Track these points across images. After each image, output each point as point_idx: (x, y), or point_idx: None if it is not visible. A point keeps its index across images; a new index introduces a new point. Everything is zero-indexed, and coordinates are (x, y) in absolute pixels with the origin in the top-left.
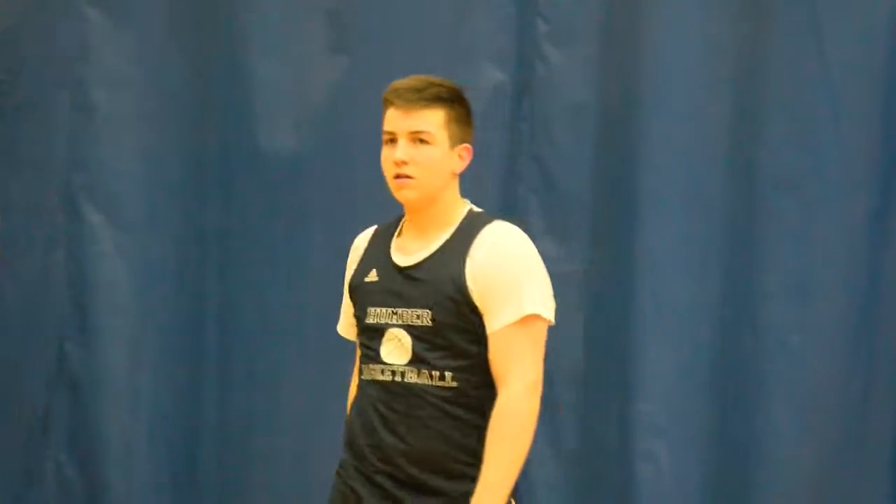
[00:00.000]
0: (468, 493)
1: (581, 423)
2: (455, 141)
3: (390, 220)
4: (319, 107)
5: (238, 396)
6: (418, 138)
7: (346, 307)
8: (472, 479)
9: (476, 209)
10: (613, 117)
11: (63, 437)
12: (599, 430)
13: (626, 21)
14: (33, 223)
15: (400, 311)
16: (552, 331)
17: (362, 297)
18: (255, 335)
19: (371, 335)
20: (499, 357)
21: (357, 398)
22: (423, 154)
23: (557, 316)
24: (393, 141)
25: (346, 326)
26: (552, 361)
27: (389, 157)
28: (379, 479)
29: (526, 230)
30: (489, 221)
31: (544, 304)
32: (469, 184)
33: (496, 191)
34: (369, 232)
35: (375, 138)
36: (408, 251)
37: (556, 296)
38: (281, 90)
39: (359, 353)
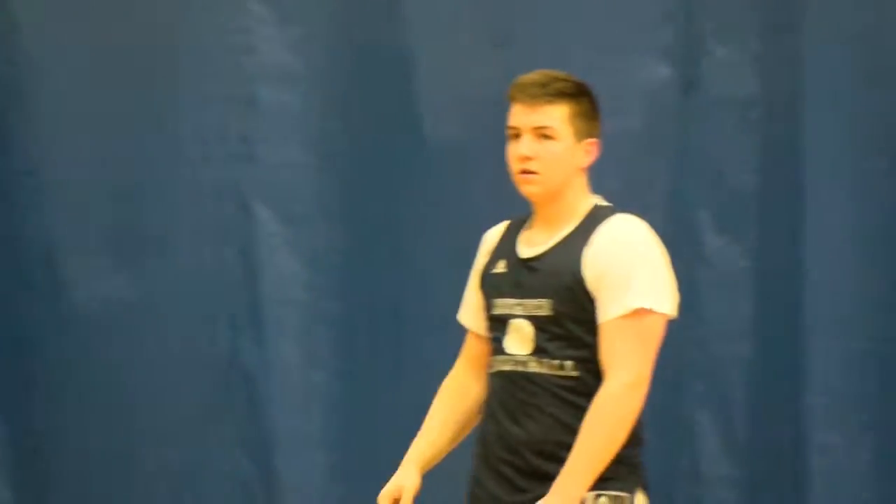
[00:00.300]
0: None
1: (753, 417)
2: (580, 136)
3: (523, 214)
4: (484, 98)
5: (410, 386)
6: (542, 134)
7: (470, 295)
8: None
9: (603, 203)
10: (780, 111)
11: (236, 430)
12: (772, 424)
13: (790, 15)
14: (203, 217)
15: (523, 301)
16: (726, 327)
17: (490, 288)
18: (426, 325)
19: (497, 326)
20: (605, 349)
21: (487, 393)
22: (548, 150)
23: (725, 311)
24: (517, 136)
25: (467, 314)
26: (722, 357)
27: (514, 153)
28: (504, 469)
29: (694, 226)
30: (612, 214)
31: (657, 299)
32: (640, 181)
33: (663, 187)
34: (502, 226)
35: None
36: (533, 243)
37: (725, 291)
38: (444, 82)
39: (468, 343)
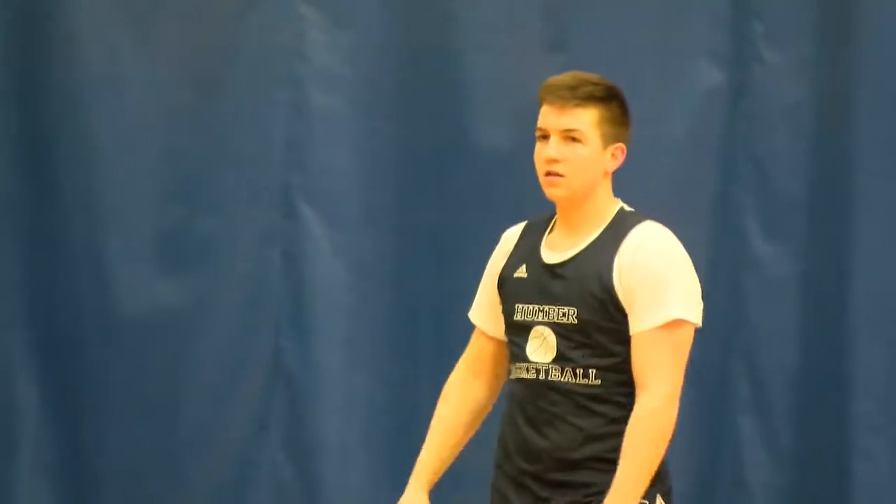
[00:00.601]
0: (600, 491)
1: (797, 423)
2: (608, 140)
3: (543, 215)
4: (536, 104)
5: None
6: (570, 136)
7: (484, 294)
8: (612, 473)
9: (628, 208)
10: (829, 117)
11: (280, 435)
12: (816, 430)
13: (842, 20)
14: (250, 221)
15: (546, 308)
16: (772, 332)
17: (511, 293)
18: (470, 332)
19: (518, 332)
20: (641, 360)
21: (507, 400)
22: (575, 153)
23: (772, 317)
24: (545, 137)
25: (480, 313)
26: (768, 363)
27: (541, 155)
28: (525, 480)
29: (742, 231)
30: (640, 221)
31: (690, 309)
32: (688, 185)
33: (712, 191)
34: (520, 227)
35: None
36: (557, 248)
37: (772, 296)
38: (496, 87)
39: (475, 342)
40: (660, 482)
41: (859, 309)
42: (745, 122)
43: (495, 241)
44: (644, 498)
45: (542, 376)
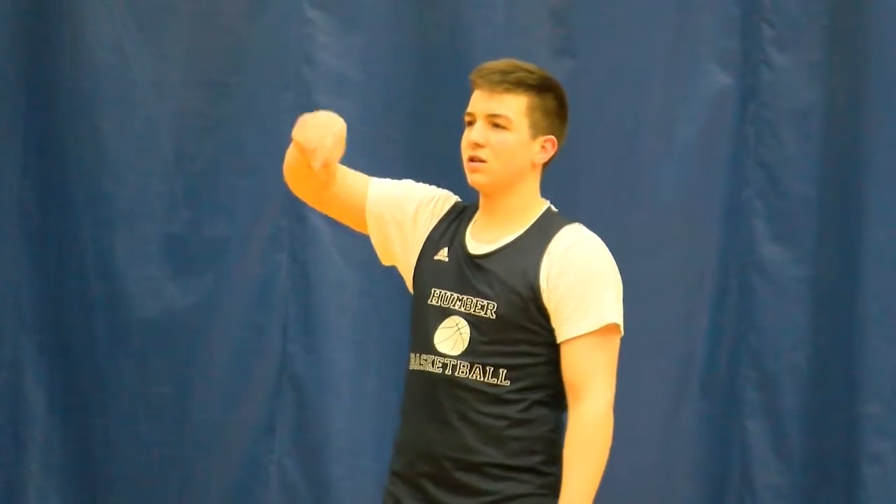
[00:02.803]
0: (509, 497)
1: (806, 426)
2: (538, 131)
3: (473, 203)
4: None
5: None
6: (495, 122)
7: (395, 187)
8: (511, 481)
9: (554, 209)
10: (839, 121)
11: (287, 437)
12: (825, 433)
13: (851, 24)
14: (258, 225)
15: (465, 298)
16: (781, 336)
17: (428, 275)
18: None
19: (429, 317)
20: (576, 367)
21: (404, 393)
22: (499, 139)
23: (780, 320)
24: (472, 123)
25: (380, 187)
26: (777, 366)
27: (466, 139)
28: (422, 482)
29: (751, 234)
30: (568, 223)
31: (620, 315)
32: (697, 189)
33: (721, 194)
34: (458, 203)
35: (601, 138)
36: (481, 239)
37: (780, 300)
38: None
39: (357, 178)
40: (558, 487)
41: (869, 312)
42: (755, 125)
43: None
44: None
45: (448, 371)
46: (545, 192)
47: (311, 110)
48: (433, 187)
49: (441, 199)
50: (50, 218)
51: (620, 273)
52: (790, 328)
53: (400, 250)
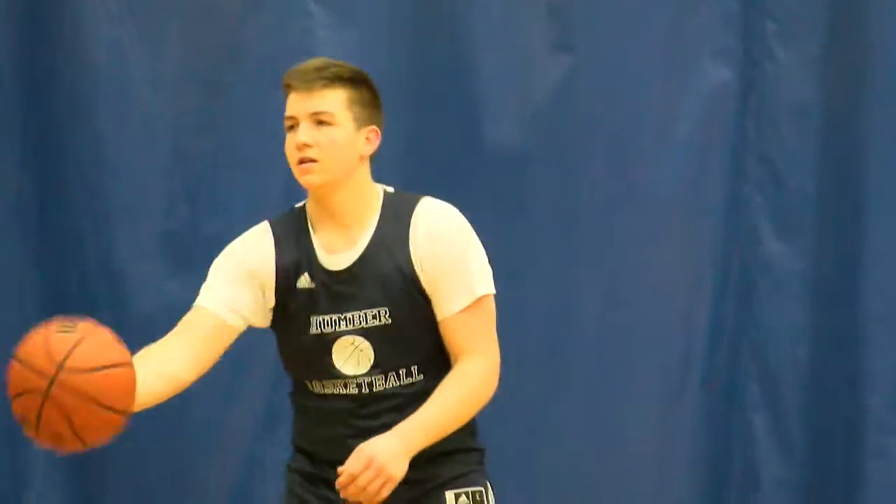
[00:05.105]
0: (443, 482)
1: (809, 420)
2: (361, 123)
3: (285, 216)
4: (543, 103)
5: None
6: (320, 120)
7: (223, 284)
8: (449, 464)
9: (389, 189)
10: (840, 116)
11: (287, 434)
12: (828, 427)
13: (853, 20)
14: (257, 221)
15: (349, 315)
16: (783, 330)
17: (300, 306)
18: None
19: (315, 347)
20: (457, 341)
21: (313, 415)
22: (327, 136)
23: (782, 314)
24: (294, 127)
25: (215, 298)
26: (779, 360)
27: (291, 143)
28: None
29: (752, 229)
30: (416, 200)
31: (489, 280)
32: (698, 184)
33: (722, 189)
34: (267, 234)
35: (599, 134)
36: (336, 249)
37: (782, 294)
38: (504, 86)
39: (199, 320)
40: (484, 461)
41: (871, 306)
42: (756, 120)
43: (503, 241)
44: (479, 484)
45: (365, 389)
46: (554, 186)
47: None
48: (236, 245)
49: (252, 250)
50: (49, 215)
51: (623, 269)
52: (791, 322)
53: (264, 300)
